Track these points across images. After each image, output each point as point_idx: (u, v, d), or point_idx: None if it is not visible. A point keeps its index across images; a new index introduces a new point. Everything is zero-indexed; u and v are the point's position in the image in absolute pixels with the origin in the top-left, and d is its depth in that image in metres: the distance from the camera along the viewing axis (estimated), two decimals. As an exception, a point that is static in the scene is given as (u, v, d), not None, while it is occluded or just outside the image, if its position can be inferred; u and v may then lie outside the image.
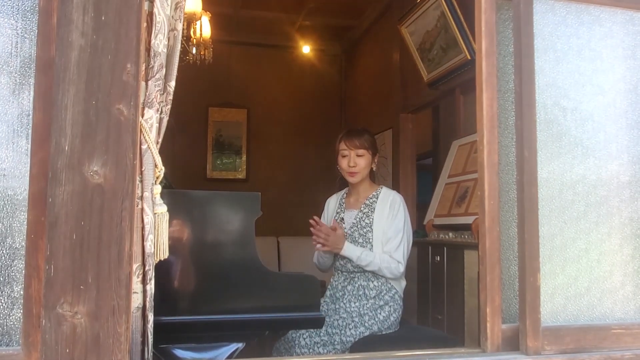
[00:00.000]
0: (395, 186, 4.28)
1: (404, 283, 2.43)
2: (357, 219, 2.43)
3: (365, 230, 2.38)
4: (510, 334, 1.55)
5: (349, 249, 2.31)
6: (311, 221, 2.30)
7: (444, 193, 3.39)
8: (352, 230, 2.42)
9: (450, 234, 3.20)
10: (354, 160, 2.42)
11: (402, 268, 2.32)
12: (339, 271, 2.45)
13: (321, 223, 2.32)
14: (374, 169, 2.50)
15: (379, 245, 2.35)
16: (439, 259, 3.18)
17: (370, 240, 2.36)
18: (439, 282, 3.16)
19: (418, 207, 4.25)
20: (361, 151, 2.42)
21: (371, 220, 2.39)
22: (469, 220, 2.91)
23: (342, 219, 2.50)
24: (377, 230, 2.37)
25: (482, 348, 1.54)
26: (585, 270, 1.65)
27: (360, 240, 2.37)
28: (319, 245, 2.30)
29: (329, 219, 2.57)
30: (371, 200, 2.44)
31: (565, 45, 1.70)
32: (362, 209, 2.44)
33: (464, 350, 1.60)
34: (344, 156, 2.45)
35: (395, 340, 2.24)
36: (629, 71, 1.77)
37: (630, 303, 1.69)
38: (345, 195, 2.59)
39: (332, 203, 2.62)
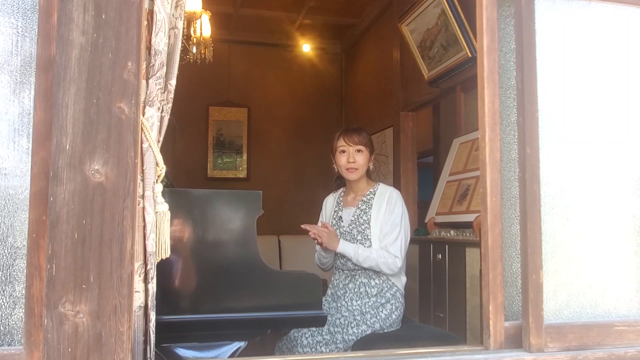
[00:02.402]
0: (396, 184, 4.28)
1: (404, 279, 2.42)
2: (355, 216, 2.43)
3: (363, 227, 2.38)
4: (513, 331, 1.54)
5: (345, 246, 2.32)
6: (303, 227, 2.33)
7: (445, 191, 3.39)
8: (350, 227, 2.42)
9: (452, 232, 3.19)
10: (353, 156, 2.42)
11: (399, 263, 2.32)
12: (339, 270, 2.45)
13: (311, 225, 2.34)
14: (371, 167, 2.50)
15: (377, 241, 2.35)
16: (440, 257, 3.18)
17: (369, 236, 2.36)
18: (441, 280, 3.15)
19: (419, 205, 4.25)
20: (360, 147, 2.43)
21: (369, 216, 2.39)
22: (470, 217, 2.91)
23: (341, 217, 2.50)
24: (374, 227, 2.37)
25: (485, 345, 1.54)
26: (588, 267, 1.65)
27: (359, 237, 2.37)
28: (314, 236, 2.32)
29: (327, 218, 2.58)
30: (368, 197, 2.44)
31: (567, 42, 1.69)
32: (359, 206, 2.44)
33: (467, 347, 1.60)
34: (342, 152, 2.45)
35: (398, 338, 2.24)
36: (632, 67, 1.76)
37: (633, 300, 1.68)
38: (342, 194, 2.59)
39: (330, 202, 2.62)
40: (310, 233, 2.32)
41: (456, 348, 1.60)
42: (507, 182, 1.61)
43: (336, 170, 2.52)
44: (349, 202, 2.52)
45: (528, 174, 1.57)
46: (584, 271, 1.65)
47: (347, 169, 2.44)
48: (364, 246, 2.34)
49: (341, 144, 2.45)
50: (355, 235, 2.39)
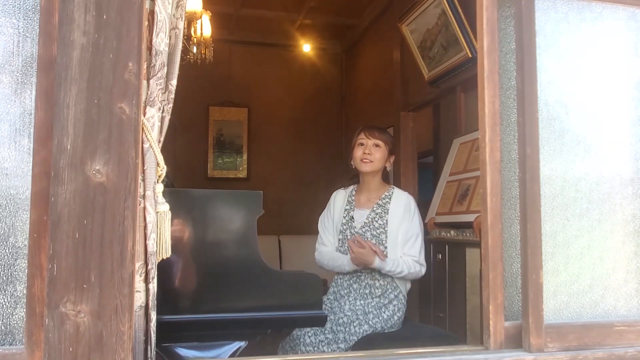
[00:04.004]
0: (396, 184, 4.26)
1: (408, 285, 2.42)
2: (370, 219, 2.41)
3: (378, 231, 2.37)
4: (513, 331, 1.55)
5: (379, 263, 2.28)
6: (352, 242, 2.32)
7: (446, 191, 3.39)
8: (363, 230, 2.39)
9: (452, 232, 3.19)
10: (370, 149, 2.42)
11: (424, 270, 2.36)
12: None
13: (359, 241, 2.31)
14: (388, 169, 2.49)
15: (394, 247, 2.34)
16: (440, 257, 3.18)
17: (384, 242, 2.35)
18: (441, 280, 3.16)
19: (419, 206, 4.23)
20: (378, 142, 2.43)
21: (385, 221, 2.38)
22: (470, 218, 2.91)
23: (352, 217, 2.45)
24: (392, 233, 2.35)
25: (485, 345, 1.54)
26: (588, 267, 1.65)
27: (373, 241, 2.35)
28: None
29: (337, 214, 2.51)
30: (384, 201, 2.42)
31: (567, 42, 1.70)
32: (374, 208, 2.42)
33: (467, 347, 1.60)
34: (360, 144, 2.45)
35: (398, 338, 2.24)
36: (631, 68, 1.76)
37: (633, 300, 1.68)
38: (354, 192, 2.53)
39: (340, 198, 2.54)
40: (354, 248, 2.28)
41: (456, 348, 1.61)
42: (507, 182, 1.61)
43: (353, 166, 2.49)
44: (362, 203, 2.47)
45: (528, 174, 1.57)
46: (584, 271, 1.65)
47: (361, 160, 2.42)
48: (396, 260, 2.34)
49: (361, 137, 2.46)
50: (369, 239, 2.36)
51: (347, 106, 5.86)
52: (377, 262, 2.27)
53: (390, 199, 2.43)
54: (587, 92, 1.71)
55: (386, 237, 2.35)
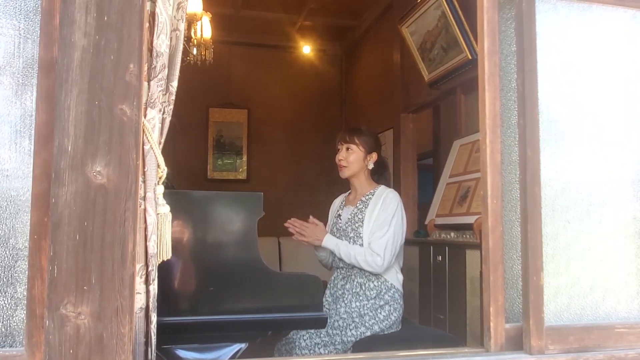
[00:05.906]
0: (396, 186, 4.28)
1: (401, 277, 2.41)
2: (352, 215, 2.45)
3: (357, 225, 2.39)
4: (513, 333, 1.54)
5: (328, 240, 2.34)
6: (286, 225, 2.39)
7: (446, 193, 3.39)
8: (346, 225, 2.44)
9: (452, 234, 3.19)
10: (342, 154, 2.47)
11: (380, 261, 2.26)
12: (338, 268, 2.47)
13: (293, 219, 2.38)
14: (370, 167, 2.48)
15: (367, 238, 2.36)
16: (440, 258, 3.18)
17: (361, 234, 2.37)
18: (441, 282, 3.15)
19: (419, 207, 4.26)
20: (350, 145, 2.46)
21: (364, 215, 2.40)
22: (470, 219, 2.91)
23: (339, 215, 2.53)
24: (367, 225, 2.38)
25: (486, 347, 1.54)
26: (589, 269, 1.65)
27: (352, 235, 2.39)
28: (295, 236, 2.36)
29: (331, 219, 2.60)
30: (367, 197, 2.46)
31: (567, 44, 1.70)
32: (357, 205, 2.46)
33: (468, 349, 1.60)
34: (338, 150, 2.51)
35: (397, 340, 2.24)
36: (632, 70, 1.76)
37: (634, 302, 1.68)
38: (347, 194, 2.63)
39: (337, 203, 2.66)
40: (289, 229, 2.34)
41: (456, 350, 1.60)
42: (507, 184, 1.61)
43: None
44: (349, 202, 2.55)
45: (529, 176, 1.57)
46: (584, 273, 1.65)
47: (338, 167, 2.49)
48: (357, 244, 2.34)
49: (337, 145, 2.52)
50: (349, 233, 2.40)
51: (347, 108, 5.87)
52: (326, 238, 2.34)
53: (373, 195, 2.45)
54: (588, 94, 1.71)
55: (363, 229, 2.37)
